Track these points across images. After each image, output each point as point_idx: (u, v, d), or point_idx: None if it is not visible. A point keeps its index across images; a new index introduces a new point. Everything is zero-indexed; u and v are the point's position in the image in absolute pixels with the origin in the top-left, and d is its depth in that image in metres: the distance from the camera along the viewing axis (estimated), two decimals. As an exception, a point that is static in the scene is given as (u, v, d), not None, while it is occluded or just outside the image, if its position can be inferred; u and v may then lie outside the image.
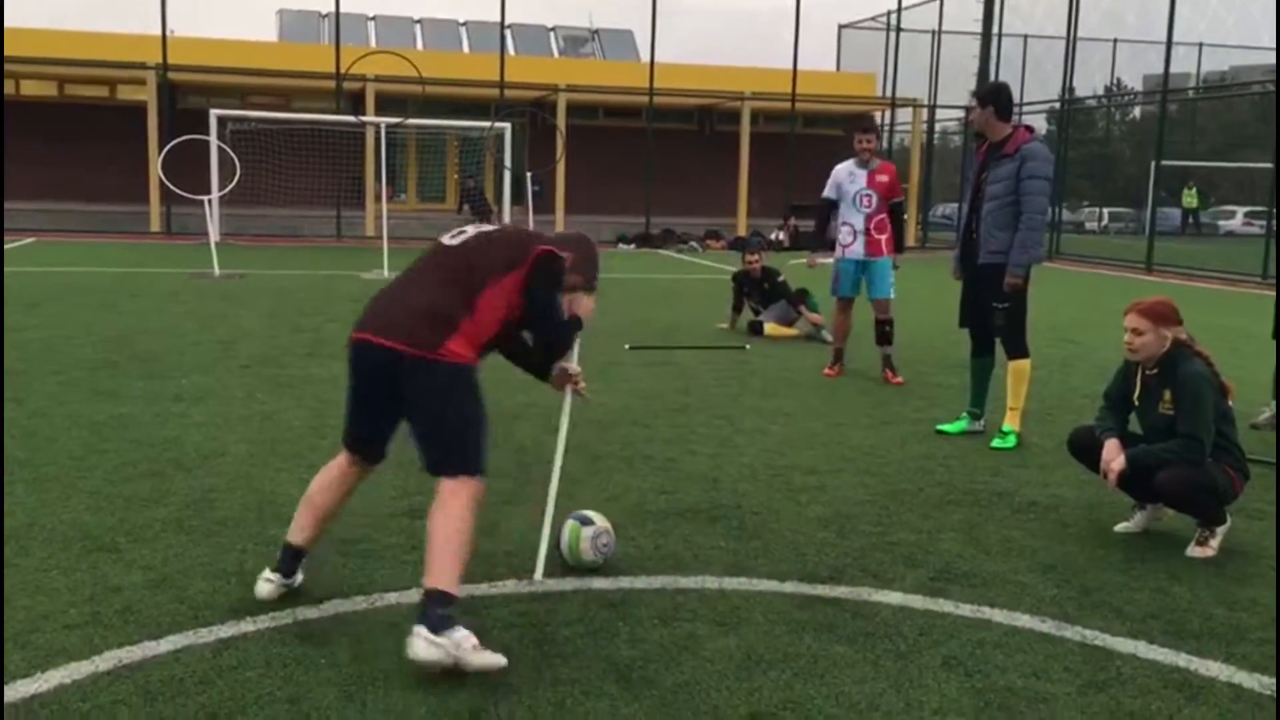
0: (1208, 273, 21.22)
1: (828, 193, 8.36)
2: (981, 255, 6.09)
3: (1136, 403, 4.67)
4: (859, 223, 8.25)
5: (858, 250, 8.28)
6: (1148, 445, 4.49)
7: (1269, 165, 25.11)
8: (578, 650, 3.41)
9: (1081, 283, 18.57)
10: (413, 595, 3.78)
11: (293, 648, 3.38)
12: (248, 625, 3.54)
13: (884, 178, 8.27)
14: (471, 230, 3.73)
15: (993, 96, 6.10)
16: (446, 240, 3.71)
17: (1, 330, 8.66)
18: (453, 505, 3.38)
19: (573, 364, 4.12)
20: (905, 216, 8.81)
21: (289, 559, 3.77)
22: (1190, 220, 32.38)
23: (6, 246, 18.70)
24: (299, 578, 3.81)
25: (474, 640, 3.23)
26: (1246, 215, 34.94)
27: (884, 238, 8.30)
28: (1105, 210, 38.13)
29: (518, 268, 3.55)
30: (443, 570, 3.30)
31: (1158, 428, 4.53)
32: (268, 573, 3.76)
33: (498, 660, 3.22)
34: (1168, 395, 4.49)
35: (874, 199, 8.21)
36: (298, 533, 3.78)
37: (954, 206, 30.00)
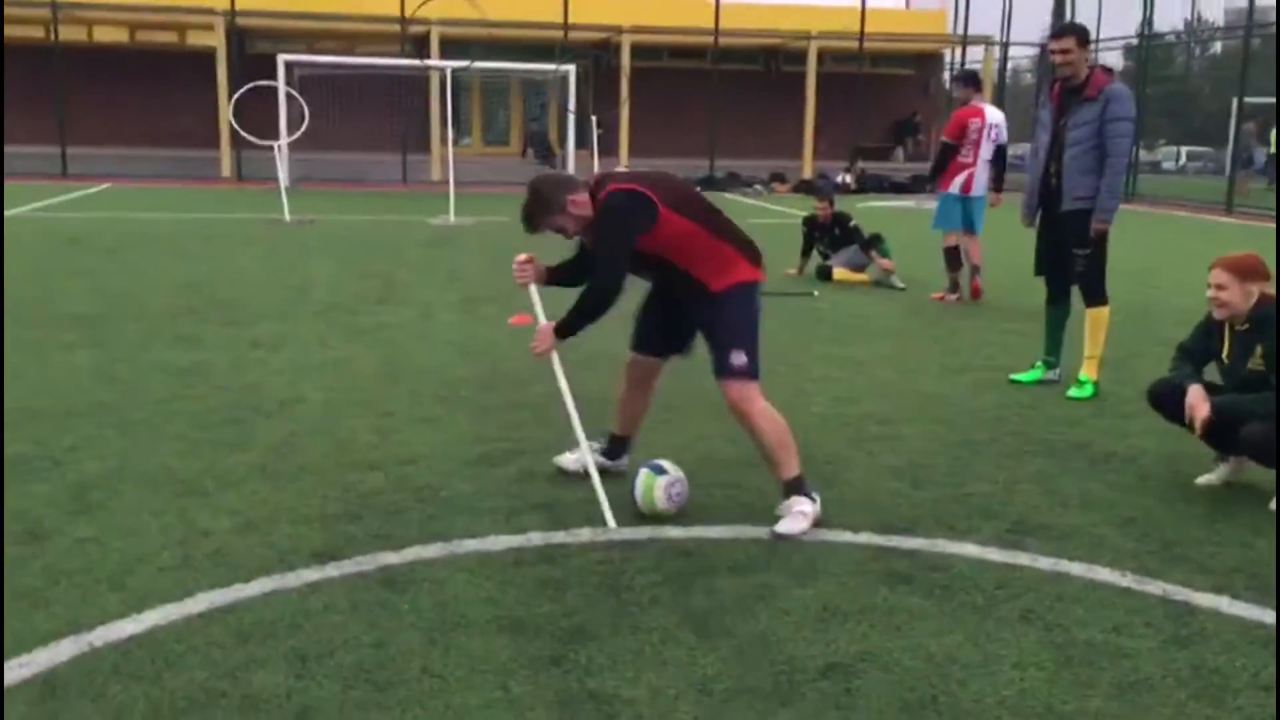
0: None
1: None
2: (1065, 201, 5.96)
3: (1225, 359, 4.55)
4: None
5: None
6: (1236, 395, 4.38)
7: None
8: (655, 599, 3.45)
9: (1159, 225, 18.12)
10: (488, 543, 3.86)
11: (376, 593, 3.46)
12: (332, 570, 3.62)
13: (978, 120, 9.43)
14: (645, 168, 4.10)
15: (1085, 34, 5.93)
16: (682, 184, 4.33)
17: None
18: (762, 412, 4.15)
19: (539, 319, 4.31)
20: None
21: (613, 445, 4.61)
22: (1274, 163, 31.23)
23: (81, 193, 19.08)
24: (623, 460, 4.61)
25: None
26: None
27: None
28: (1183, 149, 37.09)
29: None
30: (787, 464, 4.11)
31: (1248, 383, 4.41)
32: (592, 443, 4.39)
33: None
34: (1259, 351, 4.38)
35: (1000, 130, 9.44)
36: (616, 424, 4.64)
37: (1027, 147, 29.37)
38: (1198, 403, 4.41)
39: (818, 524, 4.03)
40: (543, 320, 4.23)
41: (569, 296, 4.14)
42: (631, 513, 4.13)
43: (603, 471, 4.35)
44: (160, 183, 22.05)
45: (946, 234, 9.55)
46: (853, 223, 10.73)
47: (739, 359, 4.08)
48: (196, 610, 3.31)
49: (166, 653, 3.05)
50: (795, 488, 4.09)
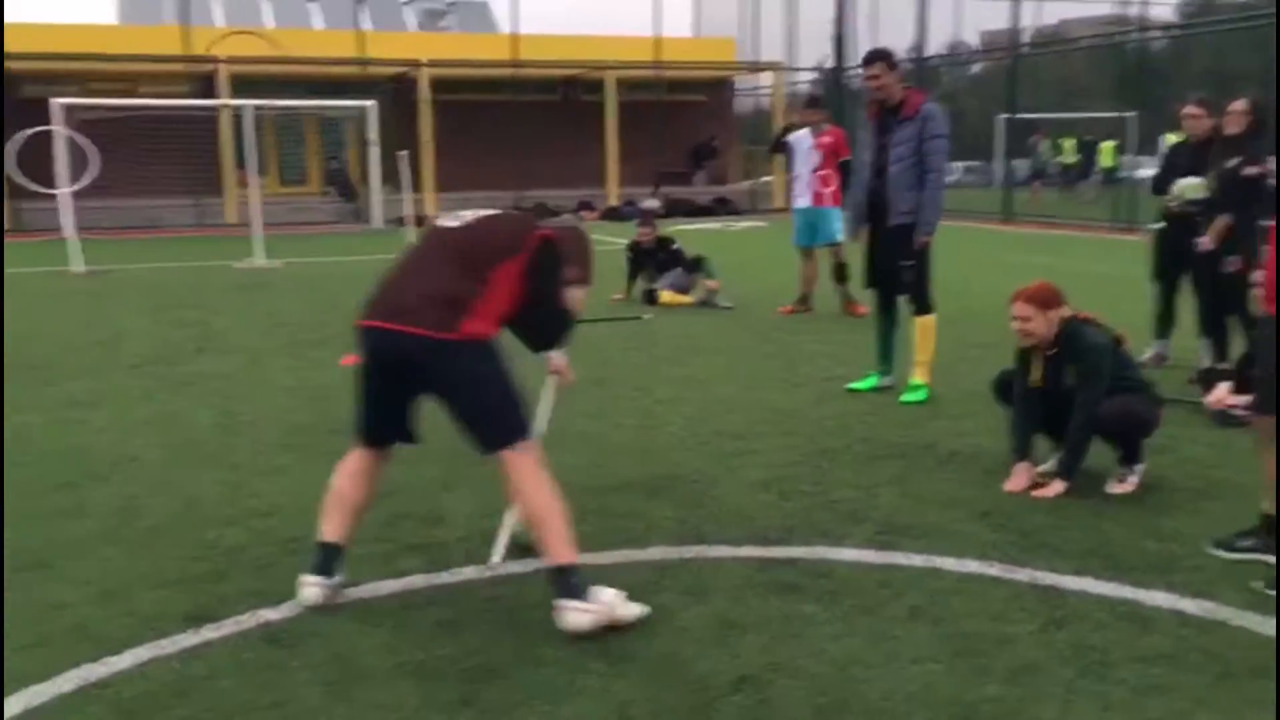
0: (1059, 220, 22.18)
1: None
2: (891, 216, 6.24)
3: (1041, 383, 4.81)
4: (806, 176, 9.86)
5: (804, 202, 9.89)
6: (1066, 454, 4.70)
7: (1110, 114, 26.31)
8: (552, 631, 3.40)
9: (948, 236, 19.12)
10: (370, 589, 3.74)
11: (262, 652, 3.30)
12: (209, 633, 3.44)
13: (828, 140, 9.79)
14: (469, 214, 3.73)
15: (891, 58, 6.24)
16: (444, 223, 3.71)
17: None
18: (527, 479, 3.46)
19: (558, 355, 4.17)
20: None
21: (326, 559, 3.62)
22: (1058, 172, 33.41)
23: None
24: (339, 576, 3.66)
25: (619, 594, 3.43)
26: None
27: (830, 190, 9.82)
28: (959, 164, 39.32)
29: (518, 254, 3.56)
30: (555, 545, 3.40)
31: (1069, 398, 4.71)
32: (307, 577, 3.59)
33: (643, 609, 3.45)
34: (1073, 369, 4.69)
35: (818, 157, 9.72)
36: (332, 531, 3.63)
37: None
38: (1022, 483, 4.69)
39: None
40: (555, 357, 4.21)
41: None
42: (512, 546, 4.07)
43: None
44: (-74, 238, 20.43)
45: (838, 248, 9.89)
46: (675, 245, 10.93)
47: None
48: (68, 689, 3.08)
49: (44, 738, 2.83)
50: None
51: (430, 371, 3.45)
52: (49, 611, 3.61)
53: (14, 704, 3.00)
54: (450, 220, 3.73)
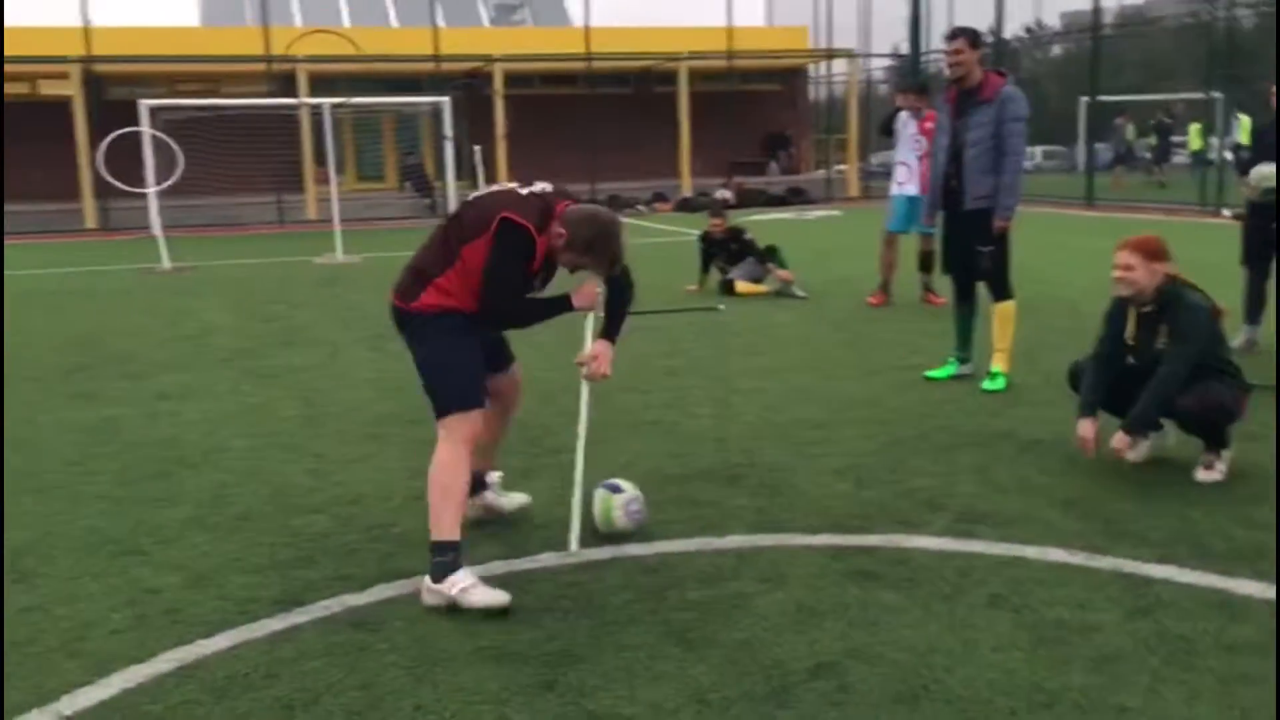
0: (1144, 204, 21.67)
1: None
2: (967, 201, 6.16)
3: (1132, 341, 4.75)
4: (914, 162, 9.45)
5: (911, 188, 9.43)
6: (1144, 401, 4.56)
7: (1196, 95, 25.60)
8: (633, 616, 3.44)
9: (1028, 222, 18.76)
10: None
11: (349, 635, 3.38)
12: (297, 616, 3.53)
13: (931, 124, 9.00)
14: (482, 191, 3.85)
15: (976, 36, 6.15)
16: (469, 198, 3.96)
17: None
18: (441, 451, 3.68)
19: (586, 349, 4.05)
20: None
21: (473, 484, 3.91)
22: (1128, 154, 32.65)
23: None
24: (489, 494, 4.23)
25: (469, 581, 3.51)
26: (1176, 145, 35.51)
27: None
28: (1039, 149, 38.60)
29: (484, 233, 3.64)
30: (434, 521, 3.62)
31: (1158, 363, 4.62)
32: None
33: (497, 598, 3.48)
34: (1165, 330, 4.60)
35: (924, 143, 9.16)
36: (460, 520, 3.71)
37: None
38: (1088, 434, 4.64)
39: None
40: (590, 344, 4.05)
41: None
42: (590, 533, 4.12)
43: (497, 511, 4.31)
44: (22, 238, 21.13)
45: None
46: (747, 235, 10.90)
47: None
48: (164, 670, 3.18)
49: (142, 715, 2.93)
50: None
51: (403, 337, 3.81)
52: (145, 595, 3.73)
53: (114, 683, 3.11)
54: (465, 199, 3.95)
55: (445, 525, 3.59)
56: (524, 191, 3.80)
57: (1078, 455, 4.98)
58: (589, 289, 3.89)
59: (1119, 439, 4.57)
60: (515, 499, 4.38)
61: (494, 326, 3.94)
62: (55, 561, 4.07)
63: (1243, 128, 7.38)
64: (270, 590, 3.75)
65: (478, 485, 4.12)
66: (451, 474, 3.63)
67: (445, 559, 3.54)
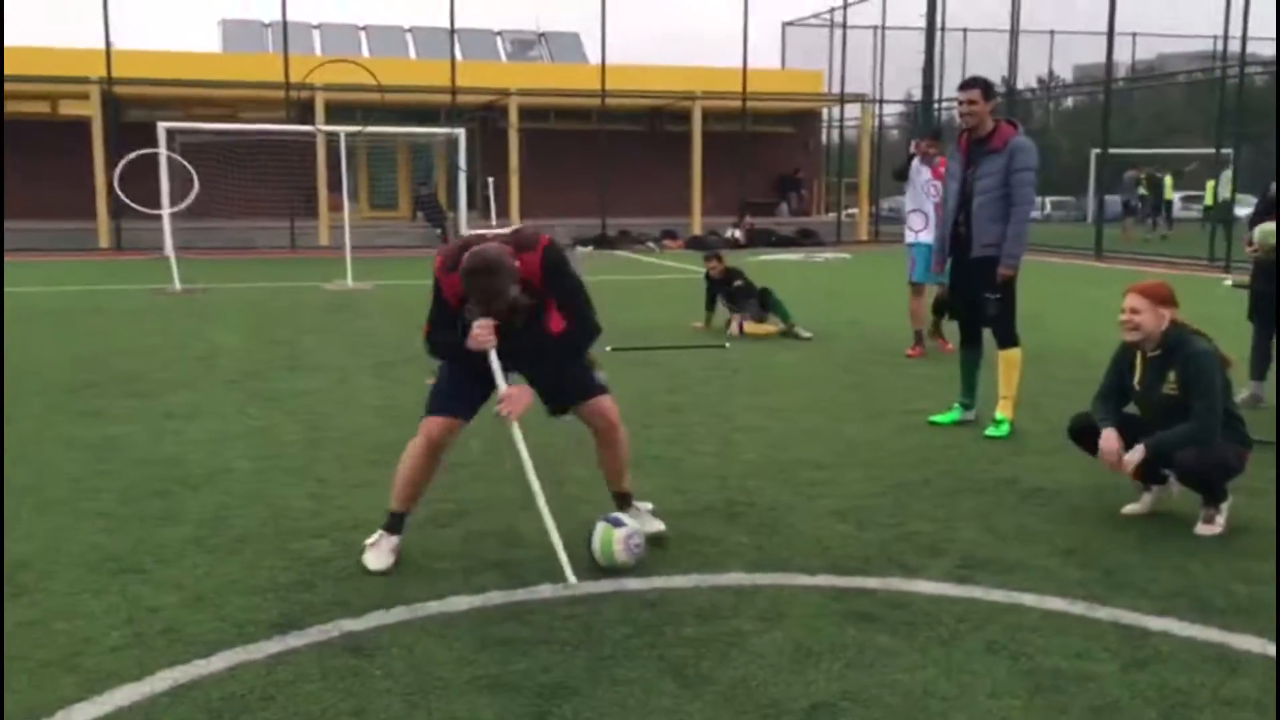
0: (1153, 257, 21.73)
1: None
2: (975, 249, 6.20)
3: (1137, 386, 4.78)
4: (929, 209, 9.26)
5: (929, 235, 9.12)
6: (1163, 432, 4.57)
7: (1205, 150, 25.74)
8: (629, 650, 3.44)
9: (1035, 271, 18.80)
10: (449, 604, 3.82)
11: (345, 660, 3.38)
12: (294, 640, 3.53)
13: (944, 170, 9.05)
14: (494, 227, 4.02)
15: (990, 87, 6.20)
16: None
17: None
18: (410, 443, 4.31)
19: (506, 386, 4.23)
20: None
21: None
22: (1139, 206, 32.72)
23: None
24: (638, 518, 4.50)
25: (374, 540, 4.22)
26: (1183, 199, 35.65)
27: None
28: (1048, 199, 38.76)
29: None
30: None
31: (1163, 409, 4.64)
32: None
33: (372, 562, 4.15)
34: (1172, 376, 4.61)
35: (938, 188, 9.07)
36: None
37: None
38: (1112, 447, 4.62)
39: None
40: (503, 385, 4.19)
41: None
42: (589, 567, 4.12)
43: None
44: (36, 255, 21.28)
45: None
46: (738, 283, 10.81)
47: (601, 375, 4.43)
48: (160, 689, 3.19)
49: (136, 734, 2.93)
50: (629, 498, 4.53)
51: None
52: (143, 613, 3.74)
53: (109, 701, 3.11)
54: None
55: (392, 496, 4.26)
56: (484, 233, 4.26)
57: (1079, 504, 4.99)
58: (479, 330, 4.11)
59: (1118, 449, 4.58)
60: (652, 524, 4.52)
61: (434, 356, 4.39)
62: (56, 577, 4.08)
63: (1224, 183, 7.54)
64: (269, 613, 3.75)
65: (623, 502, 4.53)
66: (405, 462, 4.26)
67: (386, 521, 4.26)
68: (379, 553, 4.17)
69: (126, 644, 3.49)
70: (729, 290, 10.85)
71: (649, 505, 4.59)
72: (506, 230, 4.26)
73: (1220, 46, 26.41)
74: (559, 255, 4.15)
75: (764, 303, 10.63)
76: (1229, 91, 22.29)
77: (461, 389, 4.26)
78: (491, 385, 4.20)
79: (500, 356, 4.16)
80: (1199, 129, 35.81)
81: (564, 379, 4.32)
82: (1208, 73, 28.76)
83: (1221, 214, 20.79)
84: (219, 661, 3.36)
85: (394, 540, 4.24)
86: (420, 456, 4.22)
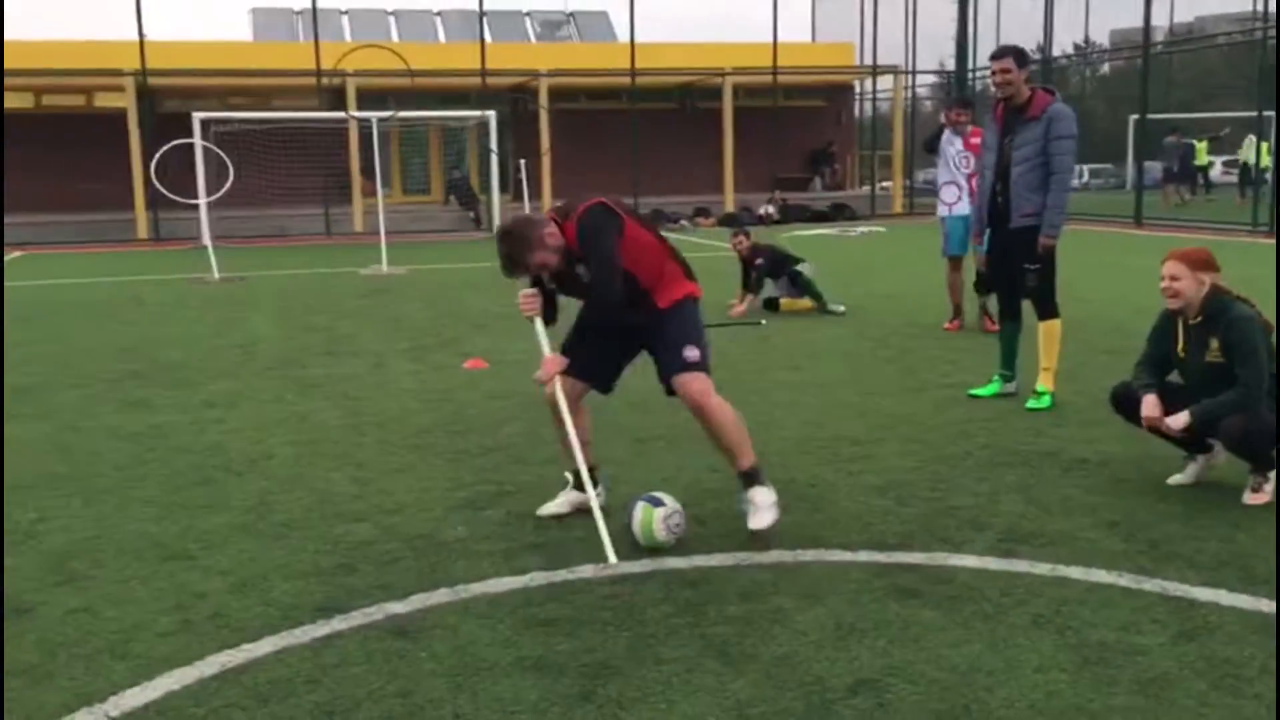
0: (1196, 223, 21.41)
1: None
2: (1014, 219, 6.12)
3: (1181, 354, 4.71)
4: (963, 181, 9.12)
5: (964, 207, 9.01)
6: (1207, 399, 4.50)
7: (1248, 113, 25.24)
8: (672, 629, 3.45)
9: (1075, 240, 18.60)
10: (491, 586, 3.84)
11: (390, 643, 3.41)
12: (339, 623, 3.56)
13: (977, 140, 8.77)
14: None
15: (1024, 55, 6.10)
16: None
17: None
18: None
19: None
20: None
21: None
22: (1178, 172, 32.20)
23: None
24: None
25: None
26: (1224, 164, 35.05)
27: None
28: (1085, 167, 38.23)
29: None
30: (739, 453, 4.34)
31: (1207, 377, 4.56)
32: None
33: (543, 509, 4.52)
34: (1214, 343, 4.54)
35: (971, 159, 8.94)
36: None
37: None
38: (1153, 412, 4.57)
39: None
40: (547, 351, 4.34)
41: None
42: (630, 546, 4.13)
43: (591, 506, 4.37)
44: (74, 248, 21.55)
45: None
46: (759, 261, 10.70)
47: (692, 353, 4.27)
48: (209, 673, 3.23)
49: (186, 718, 2.97)
50: (754, 477, 4.28)
51: None
52: (191, 599, 3.78)
53: (159, 686, 3.15)
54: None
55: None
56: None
57: (1124, 475, 4.94)
58: (520, 299, 4.35)
59: (1161, 411, 4.53)
60: (757, 518, 4.36)
61: None
62: (104, 565, 4.14)
63: (1258, 148, 7.33)
64: (313, 597, 3.79)
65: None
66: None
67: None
68: (553, 503, 4.53)
69: (175, 629, 3.54)
70: (754, 269, 10.71)
71: (772, 495, 4.26)
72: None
73: (1260, 6, 25.91)
74: (594, 222, 4.17)
75: (794, 280, 10.56)
76: (1269, 52, 21.83)
77: (573, 350, 4.39)
78: (627, 355, 4.44)
79: (619, 333, 4.33)
80: (1240, 92, 35.15)
81: (658, 354, 4.34)
82: (1247, 34, 28.16)
83: (1255, 177, 20.39)
84: (265, 645, 3.40)
85: (571, 495, 4.51)
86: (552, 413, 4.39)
